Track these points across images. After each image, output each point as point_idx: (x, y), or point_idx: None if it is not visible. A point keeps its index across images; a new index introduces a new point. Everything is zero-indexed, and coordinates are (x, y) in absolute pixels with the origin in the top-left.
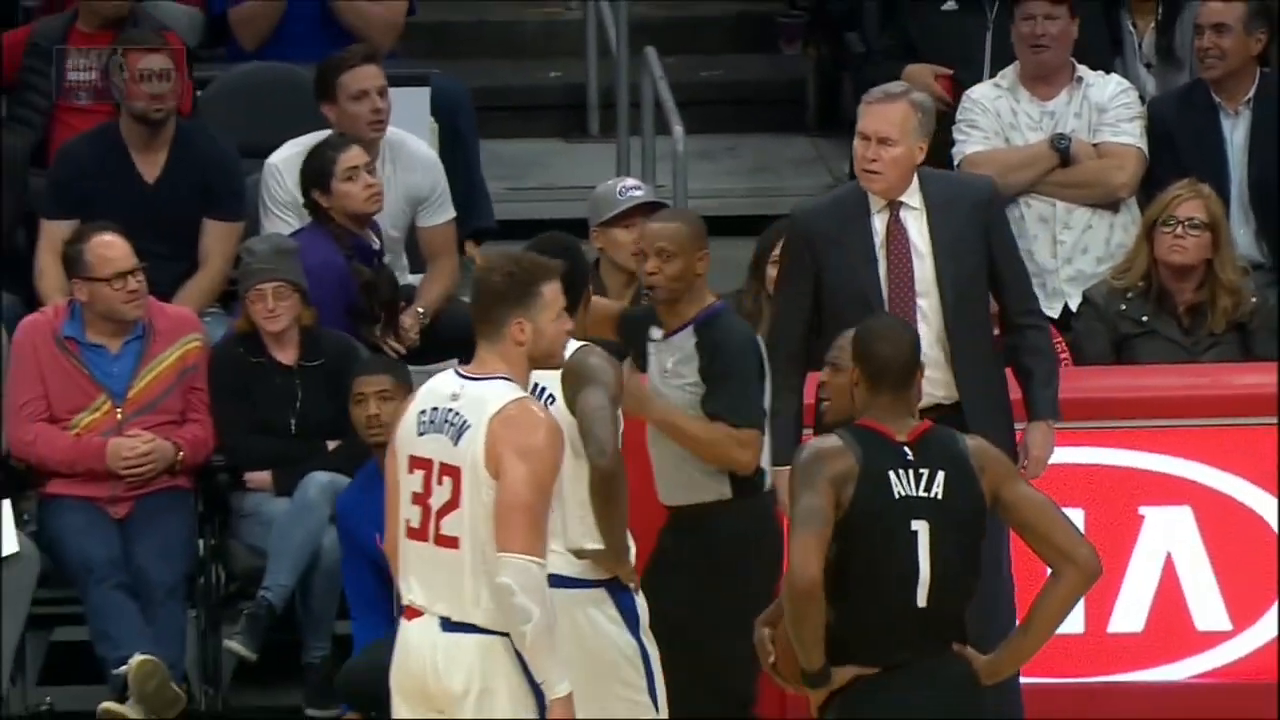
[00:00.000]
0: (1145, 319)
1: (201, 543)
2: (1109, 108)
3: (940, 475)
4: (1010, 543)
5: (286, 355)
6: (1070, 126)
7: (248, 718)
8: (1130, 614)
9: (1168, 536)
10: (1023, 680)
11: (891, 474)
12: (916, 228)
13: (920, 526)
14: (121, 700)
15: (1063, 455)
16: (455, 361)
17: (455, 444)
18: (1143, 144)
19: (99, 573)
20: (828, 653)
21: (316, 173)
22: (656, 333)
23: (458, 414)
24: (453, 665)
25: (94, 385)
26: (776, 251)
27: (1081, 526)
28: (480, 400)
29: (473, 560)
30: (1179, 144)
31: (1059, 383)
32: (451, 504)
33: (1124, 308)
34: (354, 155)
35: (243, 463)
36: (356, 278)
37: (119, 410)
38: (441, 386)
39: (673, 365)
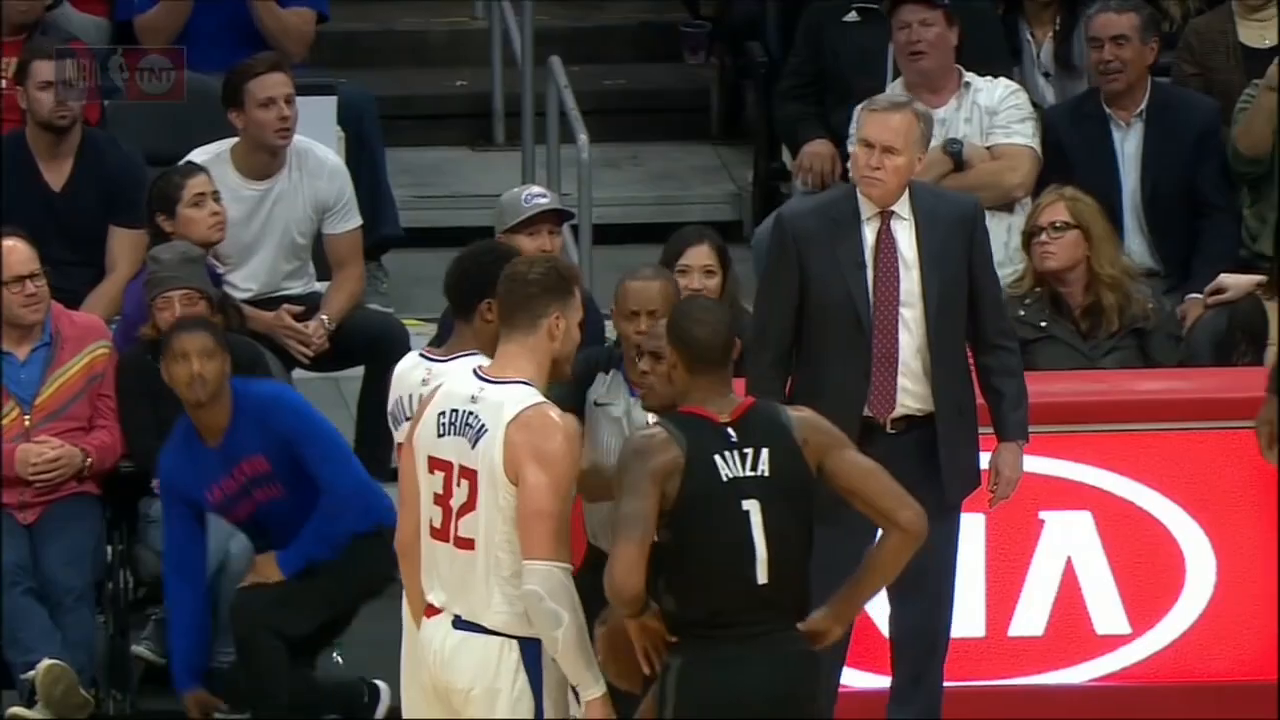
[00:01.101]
0: (1044, 324)
1: (110, 548)
2: (999, 110)
3: (764, 452)
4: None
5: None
6: (961, 132)
7: None
8: (1031, 618)
9: (1067, 541)
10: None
11: (717, 458)
12: (906, 239)
13: (751, 505)
14: (30, 705)
15: None
16: (476, 359)
17: (473, 447)
18: (1035, 144)
19: (8, 578)
20: (671, 631)
21: (163, 197)
22: (615, 382)
23: (476, 417)
24: (459, 662)
25: (1, 392)
26: (681, 260)
27: (982, 531)
28: (498, 405)
29: (486, 562)
30: (1071, 154)
31: (1027, 404)
32: (469, 506)
33: (1022, 313)
34: (201, 182)
35: (151, 469)
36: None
37: (27, 417)
38: (460, 388)
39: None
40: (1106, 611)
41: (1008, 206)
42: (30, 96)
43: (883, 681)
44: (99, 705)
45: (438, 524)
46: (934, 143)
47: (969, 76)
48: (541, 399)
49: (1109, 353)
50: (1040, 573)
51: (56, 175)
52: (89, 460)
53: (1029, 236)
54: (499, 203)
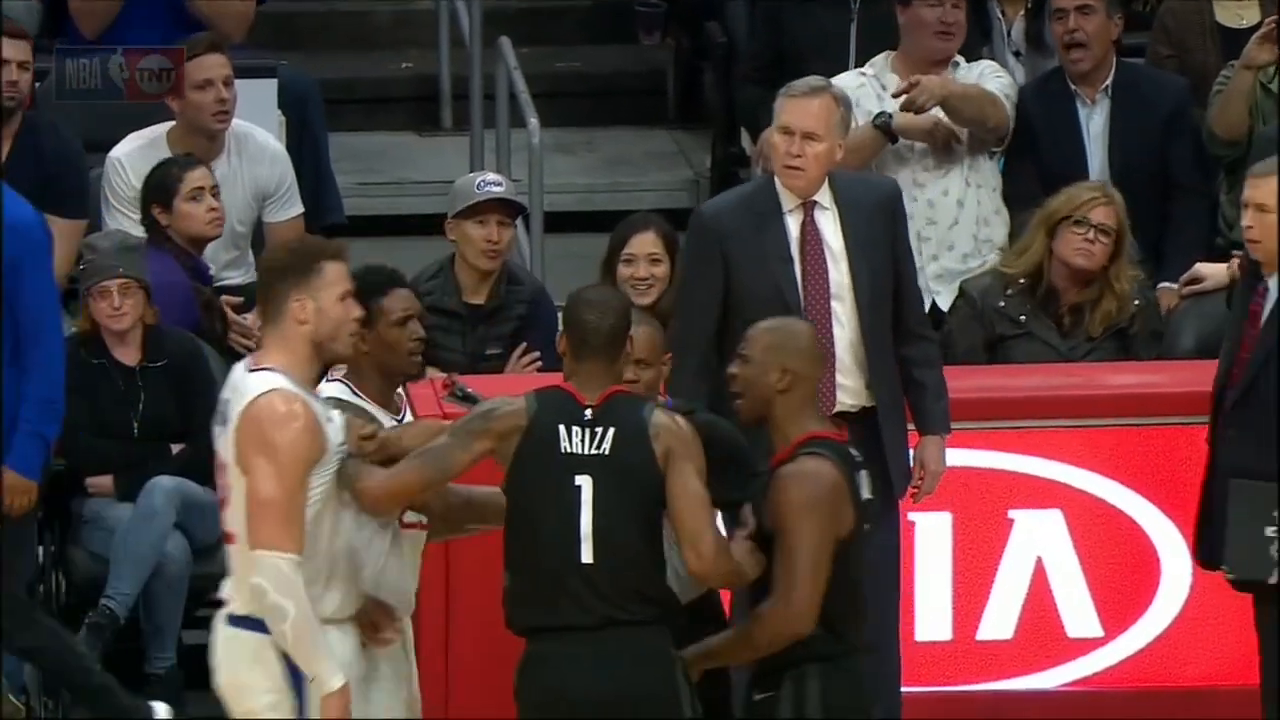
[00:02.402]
0: (1023, 318)
1: (41, 550)
2: (982, 77)
3: (611, 432)
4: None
5: (129, 356)
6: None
7: None
8: (1000, 621)
9: (1038, 540)
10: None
11: (561, 428)
12: (831, 229)
13: (584, 481)
14: None
15: None
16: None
17: (224, 438)
18: (1008, 103)
19: None
20: (507, 618)
21: (159, 189)
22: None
23: (230, 406)
24: (222, 658)
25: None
26: (627, 249)
27: (949, 530)
28: (242, 393)
29: (242, 555)
30: (1037, 132)
31: (948, 395)
32: (225, 499)
33: (1002, 304)
34: (201, 176)
35: (84, 466)
36: (198, 298)
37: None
38: (231, 376)
39: None
40: (1079, 614)
41: (987, 199)
42: None
43: None
44: (29, 713)
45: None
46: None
47: (956, 57)
48: (278, 387)
49: (1088, 354)
50: (1009, 574)
51: None
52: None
53: (1059, 220)
54: (453, 188)
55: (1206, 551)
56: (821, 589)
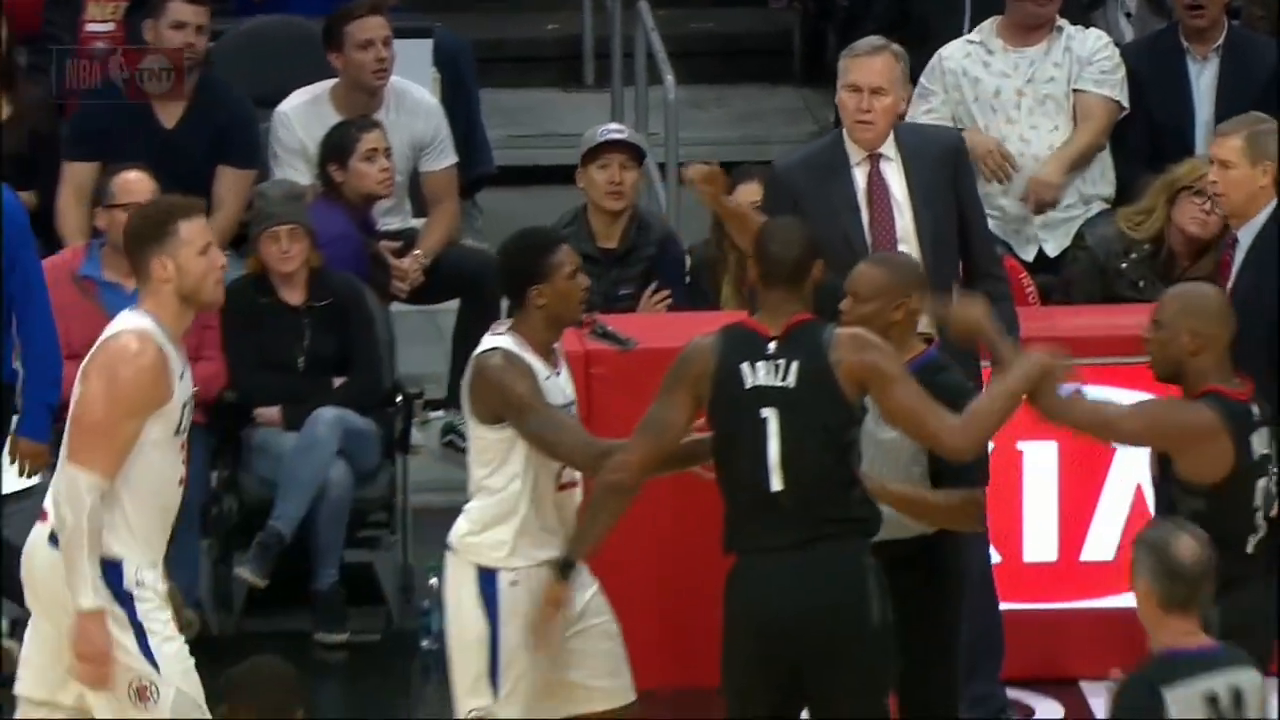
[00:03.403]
0: (1142, 284)
1: (214, 475)
2: (1092, 60)
3: (795, 365)
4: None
5: (295, 296)
6: (1049, 75)
7: (258, 642)
8: (1101, 543)
9: (1137, 469)
10: (1000, 606)
11: (745, 366)
12: (896, 179)
13: (770, 414)
14: None
15: None
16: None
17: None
18: (1123, 97)
19: None
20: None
21: (337, 148)
22: None
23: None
24: (40, 572)
25: (110, 322)
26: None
27: (1055, 459)
28: (112, 327)
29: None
30: (1146, 87)
31: (1019, 330)
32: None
33: (1125, 266)
34: (375, 138)
35: (253, 398)
36: (367, 249)
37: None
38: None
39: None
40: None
41: None
42: (159, 33)
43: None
44: (204, 625)
45: None
46: (1015, 83)
47: (1061, 22)
48: (136, 328)
49: None
50: (1111, 500)
51: (169, 115)
52: (194, 390)
53: (1179, 190)
54: (580, 140)
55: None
56: None
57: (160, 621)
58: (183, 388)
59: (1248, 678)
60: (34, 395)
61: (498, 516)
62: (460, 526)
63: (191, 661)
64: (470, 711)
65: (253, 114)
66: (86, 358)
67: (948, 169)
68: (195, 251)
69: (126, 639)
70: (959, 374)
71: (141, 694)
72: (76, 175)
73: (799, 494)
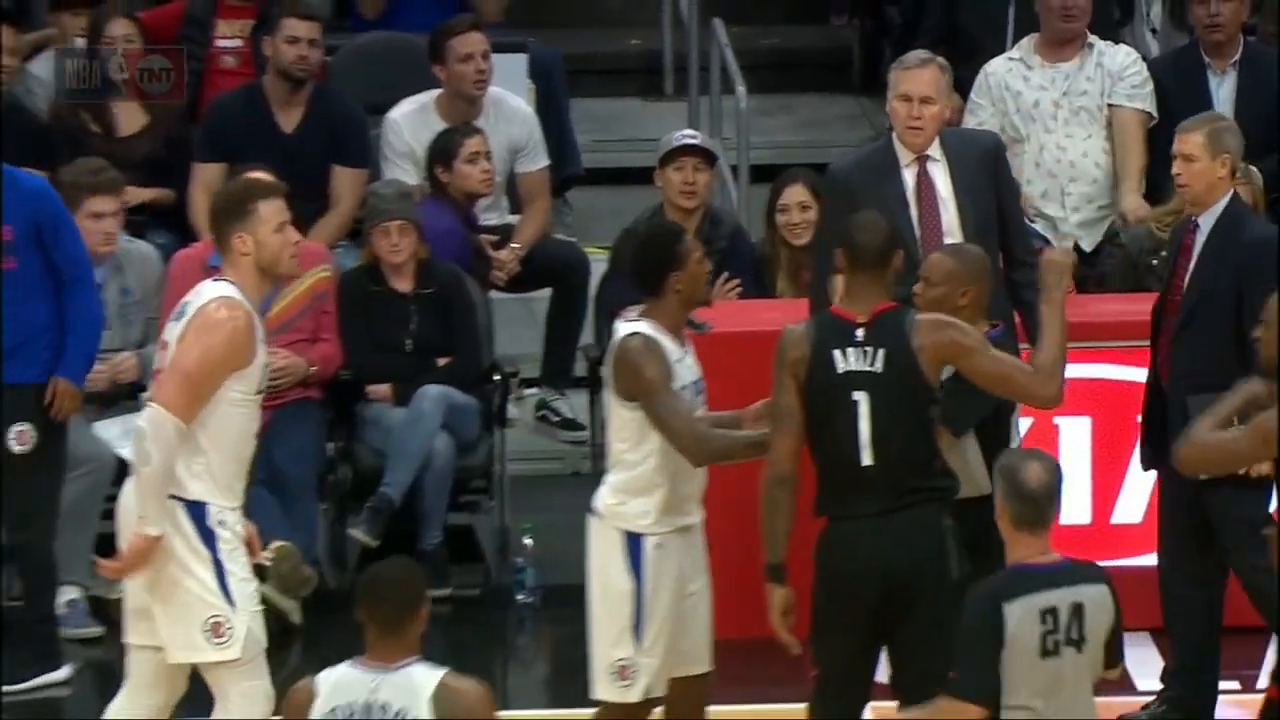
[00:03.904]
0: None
1: (331, 446)
2: (1123, 75)
3: (881, 352)
4: None
5: (403, 284)
6: (1083, 88)
7: None
8: (1130, 507)
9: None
10: None
11: (837, 352)
12: (941, 178)
13: (860, 396)
14: (261, 580)
15: (1071, 371)
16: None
17: (175, 328)
18: (1152, 108)
19: None
20: (816, 505)
21: (443, 152)
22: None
23: (189, 305)
24: (133, 518)
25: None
26: (780, 200)
27: (1089, 432)
28: (200, 296)
29: None
30: (1171, 99)
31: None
32: (159, 372)
33: (1155, 263)
34: (477, 142)
35: (365, 377)
36: (470, 243)
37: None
38: (198, 286)
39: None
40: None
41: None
42: (276, 47)
43: None
44: (321, 581)
45: None
46: (1051, 95)
47: (1091, 38)
48: (226, 294)
49: None
50: (1139, 468)
51: (289, 121)
52: (313, 368)
53: None
54: (660, 143)
55: (1148, 455)
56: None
57: (239, 563)
58: (262, 351)
59: (1091, 593)
60: (76, 346)
61: (640, 489)
62: (605, 496)
63: (261, 608)
64: (616, 661)
65: (364, 118)
66: (181, 323)
67: (988, 168)
68: (272, 229)
69: (207, 576)
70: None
71: (216, 629)
72: (206, 175)
73: (887, 467)
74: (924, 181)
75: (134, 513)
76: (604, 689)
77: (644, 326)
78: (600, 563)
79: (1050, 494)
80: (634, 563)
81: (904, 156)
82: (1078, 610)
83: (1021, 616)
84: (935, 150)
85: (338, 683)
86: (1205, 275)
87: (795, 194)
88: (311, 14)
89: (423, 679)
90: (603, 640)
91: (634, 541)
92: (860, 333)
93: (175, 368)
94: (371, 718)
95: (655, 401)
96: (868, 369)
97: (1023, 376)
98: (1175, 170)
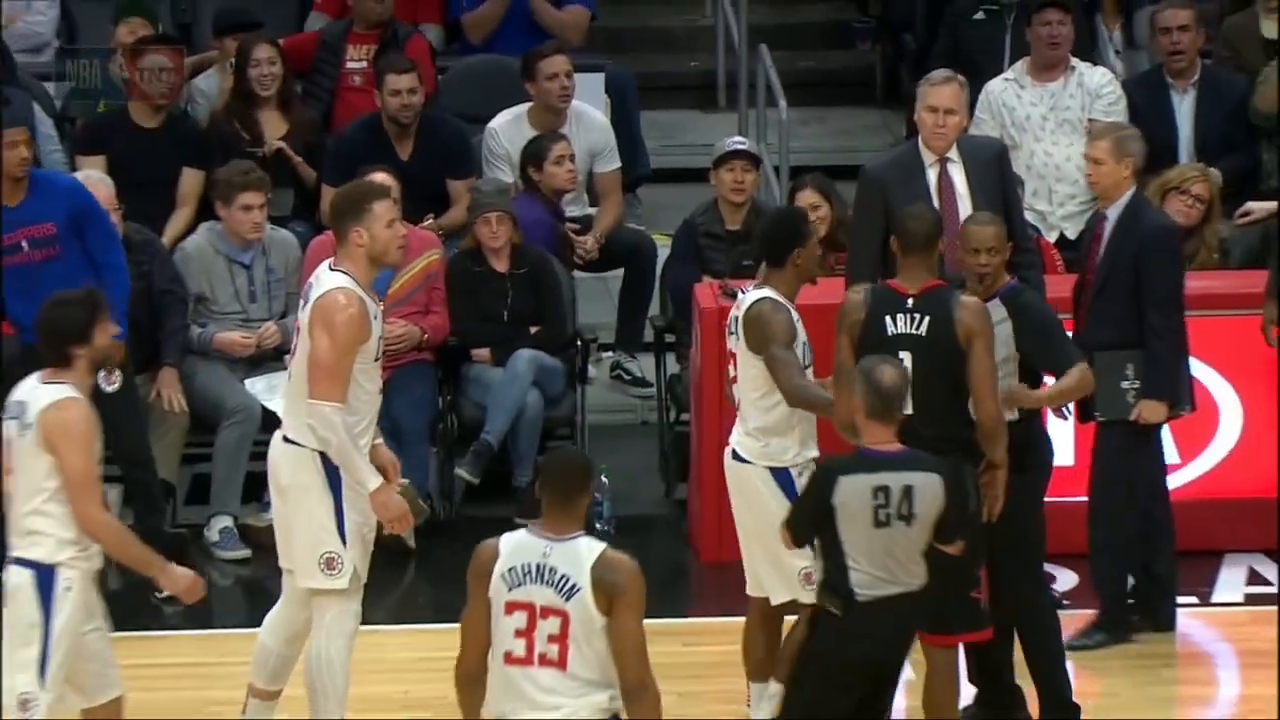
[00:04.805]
0: None
1: (440, 400)
2: (1101, 93)
3: (927, 319)
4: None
5: (501, 265)
6: (1066, 104)
7: (472, 525)
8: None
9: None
10: None
11: (888, 317)
12: (959, 177)
13: (905, 355)
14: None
15: None
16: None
17: (304, 311)
18: (1125, 119)
19: None
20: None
21: (535, 155)
22: None
23: (311, 289)
24: (279, 466)
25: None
26: (794, 202)
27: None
28: (322, 284)
29: (294, 389)
30: (1141, 113)
31: (1045, 289)
32: (293, 350)
33: None
34: (563, 147)
35: (469, 342)
36: (557, 232)
37: (380, 304)
38: (316, 272)
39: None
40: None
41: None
42: (383, 99)
43: None
44: (433, 512)
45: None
46: (1041, 111)
47: (1074, 61)
48: (343, 285)
49: None
50: (1061, 418)
51: (404, 149)
52: (425, 336)
53: (1169, 190)
54: (714, 148)
55: (1083, 410)
56: None
57: (357, 508)
58: (377, 326)
59: (924, 479)
60: (113, 309)
61: (778, 430)
62: (746, 443)
63: (372, 545)
64: (802, 569)
65: (467, 137)
66: (305, 314)
67: (995, 169)
68: (384, 225)
69: (327, 518)
70: (1035, 295)
71: (330, 564)
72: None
73: (924, 417)
74: (944, 179)
75: (282, 459)
76: (790, 590)
77: (768, 293)
78: (758, 501)
79: (899, 393)
80: (786, 492)
81: (928, 158)
82: (908, 491)
83: (853, 489)
84: (953, 153)
85: (517, 545)
86: (1111, 257)
87: (806, 197)
88: (407, 67)
89: (587, 550)
90: (786, 555)
91: (782, 475)
92: (910, 302)
93: (315, 364)
94: (543, 579)
95: (772, 351)
96: (913, 333)
97: (987, 403)
98: (1087, 171)
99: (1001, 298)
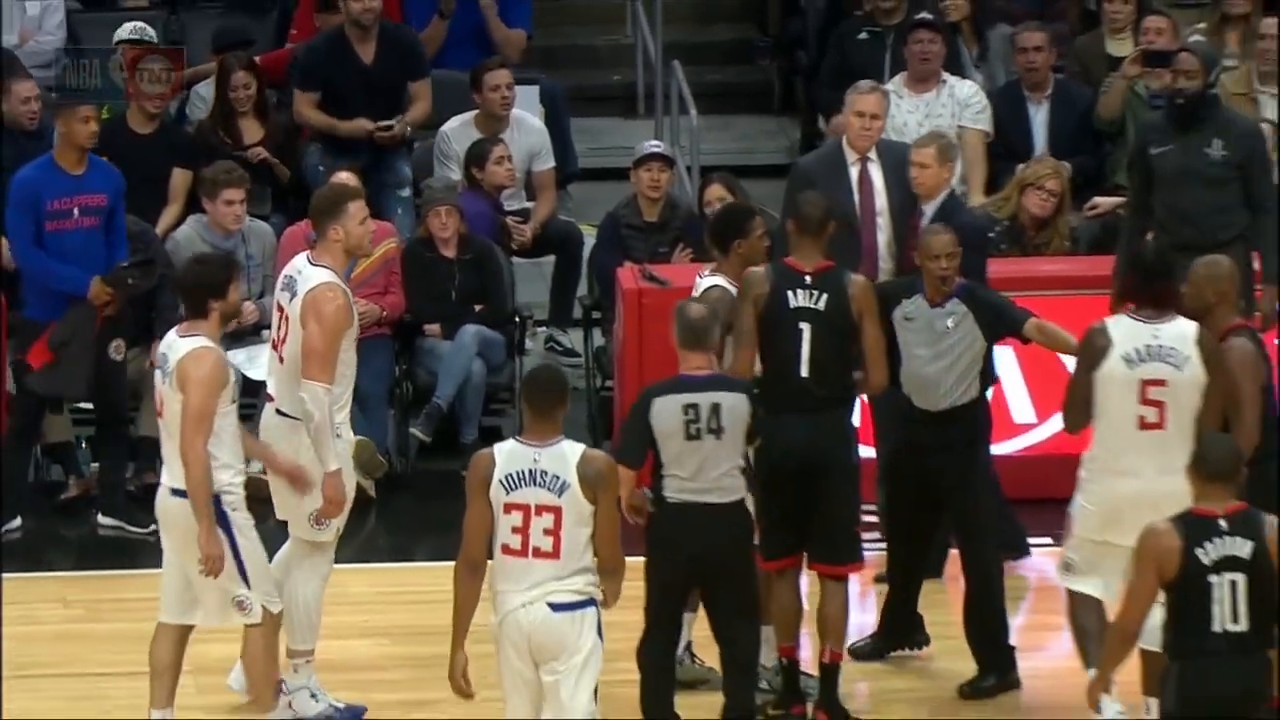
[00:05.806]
0: (1004, 247)
1: (396, 369)
2: (969, 104)
3: (825, 296)
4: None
5: (449, 251)
6: (939, 113)
7: (427, 478)
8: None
9: (1006, 367)
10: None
11: (789, 292)
12: (877, 174)
13: (805, 326)
14: None
15: None
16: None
17: (295, 303)
18: (990, 128)
19: None
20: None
21: (477, 156)
22: (916, 303)
23: (296, 283)
24: (269, 433)
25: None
26: (705, 196)
27: (1015, 360)
28: (307, 279)
29: (288, 372)
30: (1002, 121)
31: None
32: (283, 338)
33: (994, 234)
34: (501, 150)
35: (422, 319)
36: (497, 222)
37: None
38: (299, 265)
39: (952, 324)
40: (1021, 408)
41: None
42: (346, 6)
43: None
44: (390, 467)
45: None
46: (918, 119)
47: (945, 75)
48: (325, 280)
49: None
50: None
51: (366, 52)
52: (384, 313)
53: (1026, 185)
54: (634, 150)
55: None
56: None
57: (345, 470)
58: (355, 311)
59: (730, 399)
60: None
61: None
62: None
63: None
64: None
65: (420, 41)
66: (296, 301)
67: (904, 168)
68: (357, 222)
69: (317, 474)
70: (980, 285)
71: (318, 520)
72: (304, 100)
73: (817, 379)
74: (865, 176)
75: (277, 429)
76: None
77: (720, 280)
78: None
79: (706, 326)
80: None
81: (850, 156)
82: (716, 409)
83: (664, 408)
84: (872, 153)
85: (510, 453)
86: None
87: (714, 191)
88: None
89: (570, 451)
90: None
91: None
92: (808, 279)
93: (309, 350)
94: (536, 481)
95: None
96: (812, 306)
97: (876, 363)
98: (913, 174)
99: (958, 296)
